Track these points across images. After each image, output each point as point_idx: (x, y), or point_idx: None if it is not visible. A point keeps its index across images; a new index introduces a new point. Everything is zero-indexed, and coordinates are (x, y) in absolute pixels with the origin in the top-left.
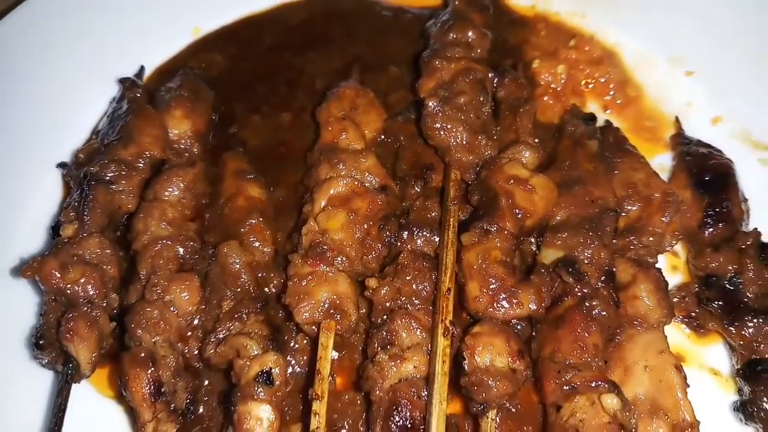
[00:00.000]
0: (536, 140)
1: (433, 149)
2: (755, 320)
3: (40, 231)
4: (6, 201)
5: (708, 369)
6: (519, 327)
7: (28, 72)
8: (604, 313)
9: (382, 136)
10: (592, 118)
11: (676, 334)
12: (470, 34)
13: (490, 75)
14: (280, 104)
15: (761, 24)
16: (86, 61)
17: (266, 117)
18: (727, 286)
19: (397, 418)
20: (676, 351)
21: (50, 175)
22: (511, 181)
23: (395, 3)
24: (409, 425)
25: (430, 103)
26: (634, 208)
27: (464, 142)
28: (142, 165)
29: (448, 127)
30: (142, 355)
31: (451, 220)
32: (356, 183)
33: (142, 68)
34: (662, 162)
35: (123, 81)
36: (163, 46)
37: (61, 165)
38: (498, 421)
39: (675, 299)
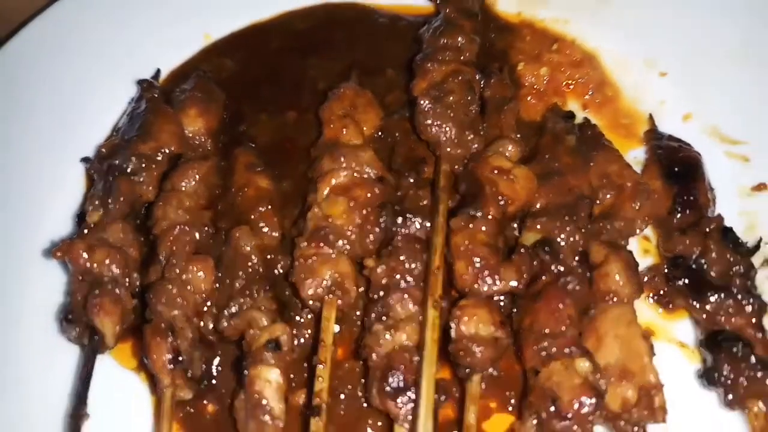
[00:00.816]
0: (518, 136)
1: (426, 144)
2: (717, 296)
3: (65, 219)
4: (33, 193)
5: (676, 342)
6: (502, 303)
7: (53, 75)
8: (578, 288)
9: (380, 133)
10: (571, 115)
11: (648, 311)
12: (460, 39)
13: (477, 77)
14: (286, 104)
15: (729, 29)
16: (106, 65)
17: (273, 116)
18: (693, 266)
19: (391, 380)
20: (648, 326)
21: (74, 169)
22: (495, 172)
23: (391, 11)
24: (402, 386)
25: (423, 102)
26: (607, 197)
27: (453, 138)
28: (160, 158)
29: (439, 123)
30: (162, 325)
31: (441, 206)
32: (356, 174)
33: (158, 71)
34: (637, 156)
35: (141, 82)
36: (176, 51)
37: (85, 159)
38: (483, 386)
39: (646, 279)
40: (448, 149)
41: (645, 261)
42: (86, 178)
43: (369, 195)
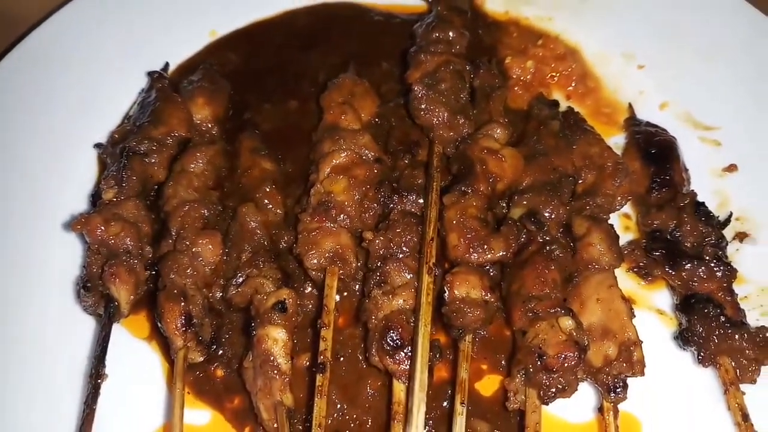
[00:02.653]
0: (506, 120)
1: (420, 128)
2: (691, 263)
3: (79, 198)
4: (48, 175)
5: (655, 310)
6: (492, 273)
7: (70, 69)
8: (561, 255)
9: (376, 120)
10: (555, 104)
11: (629, 282)
12: (451, 33)
13: (467, 67)
14: (288, 93)
15: (700, 24)
16: (118, 60)
17: (276, 105)
18: (669, 237)
19: (389, 339)
20: (628, 294)
21: (87, 154)
22: (485, 151)
23: (386, 10)
24: (400, 344)
25: (417, 89)
26: (589, 176)
27: (445, 121)
28: (170, 142)
29: (432, 108)
30: (175, 291)
31: (435, 184)
32: (355, 155)
33: (167, 64)
34: (617, 142)
35: (151, 74)
36: (183, 46)
37: (98, 145)
38: (475, 349)
39: (626, 252)
40: (441, 132)
41: (626, 237)
42: (98, 163)
43: (367, 174)
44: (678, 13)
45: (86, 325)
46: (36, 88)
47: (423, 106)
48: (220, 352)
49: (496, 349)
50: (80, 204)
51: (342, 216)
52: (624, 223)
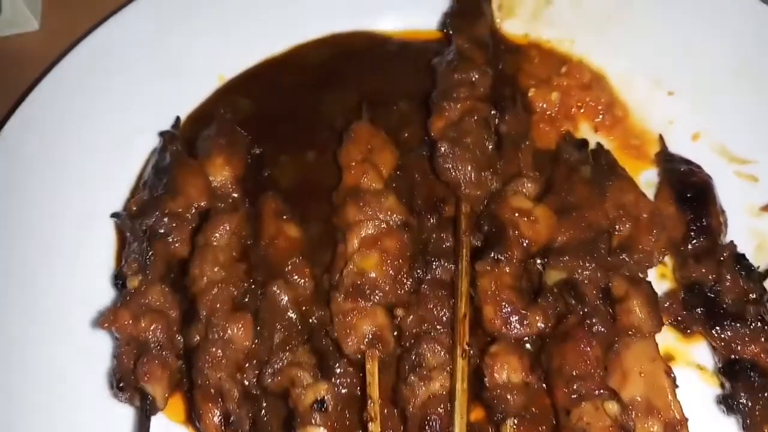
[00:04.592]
0: (536, 173)
1: (444, 183)
2: (732, 325)
3: (99, 274)
4: (65, 247)
5: (695, 365)
6: (531, 343)
7: (75, 128)
8: (603, 329)
9: (398, 172)
10: (584, 144)
11: (666, 334)
12: (473, 73)
13: (492, 112)
14: (304, 142)
15: (735, 47)
16: (124, 114)
17: (293, 156)
18: (708, 294)
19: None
20: (667, 350)
21: (103, 222)
22: (516, 214)
23: (400, 38)
24: None
25: (441, 146)
26: (625, 228)
27: (472, 179)
28: (190, 215)
29: (458, 166)
30: (212, 391)
31: (464, 251)
32: (382, 225)
33: (177, 119)
34: (649, 178)
35: (163, 134)
36: (192, 95)
37: (115, 215)
38: (516, 422)
39: (664, 305)
40: (468, 191)
41: (662, 285)
42: (116, 232)
43: (398, 245)
44: (708, 33)
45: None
46: (43, 148)
47: (448, 165)
48: None
49: (538, 421)
50: (100, 278)
51: (376, 293)
52: (660, 270)
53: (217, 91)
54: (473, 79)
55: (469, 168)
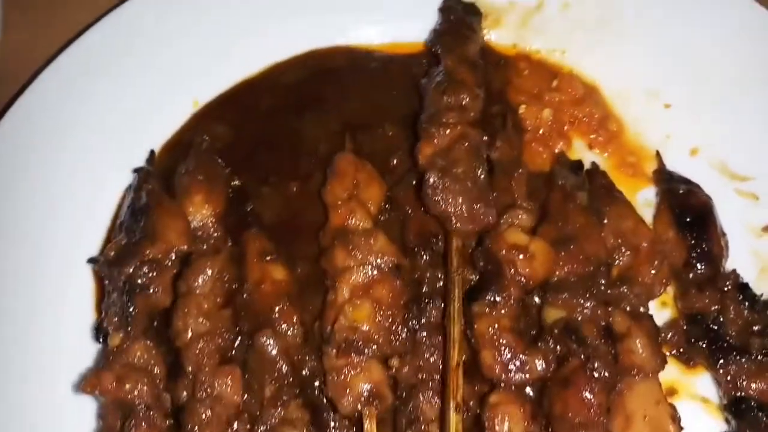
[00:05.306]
0: (531, 204)
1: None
2: (737, 359)
3: (77, 321)
4: (42, 297)
5: (699, 398)
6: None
7: (37, 165)
8: (605, 372)
9: (387, 206)
10: (579, 166)
11: (669, 367)
12: (464, 96)
13: (484, 138)
14: (287, 172)
15: (734, 56)
16: (95, 145)
17: (275, 188)
18: (711, 325)
19: None
20: (670, 384)
21: (82, 270)
22: (513, 251)
23: (382, 52)
24: None
25: (430, 177)
26: (624, 258)
27: (464, 212)
28: (170, 262)
29: (449, 199)
30: None
31: (457, 291)
32: (374, 271)
33: (152, 153)
34: (647, 197)
35: (138, 171)
36: (165, 123)
37: (92, 260)
38: None
39: (666, 336)
40: (459, 224)
41: (663, 314)
42: (95, 278)
43: (391, 294)
44: (707, 40)
45: None
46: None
47: (438, 198)
48: None
49: None
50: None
51: (370, 346)
52: (661, 298)
53: (192, 117)
54: (463, 102)
55: (460, 200)
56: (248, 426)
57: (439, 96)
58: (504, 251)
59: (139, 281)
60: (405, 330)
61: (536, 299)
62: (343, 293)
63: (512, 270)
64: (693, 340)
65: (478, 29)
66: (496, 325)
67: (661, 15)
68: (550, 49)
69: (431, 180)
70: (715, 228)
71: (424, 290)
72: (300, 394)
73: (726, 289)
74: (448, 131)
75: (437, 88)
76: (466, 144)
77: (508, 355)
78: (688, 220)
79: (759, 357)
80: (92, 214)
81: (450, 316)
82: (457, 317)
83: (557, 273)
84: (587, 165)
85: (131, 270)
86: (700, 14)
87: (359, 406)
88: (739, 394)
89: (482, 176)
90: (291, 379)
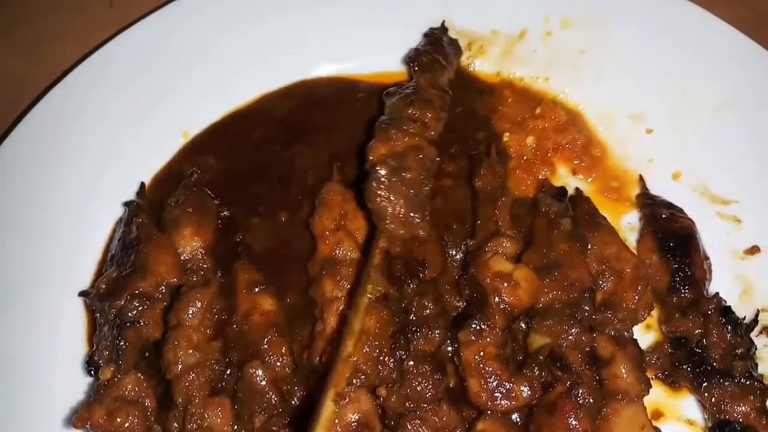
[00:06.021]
0: (515, 231)
1: (373, 215)
2: (721, 382)
3: (69, 353)
4: (34, 327)
5: (685, 420)
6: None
7: (28, 198)
8: (591, 399)
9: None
10: (563, 193)
11: (654, 389)
12: (428, 114)
13: (437, 159)
14: (276, 203)
15: (716, 81)
16: (85, 177)
17: (264, 218)
18: (695, 349)
19: None
20: (656, 406)
21: (72, 301)
22: (497, 279)
23: (369, 83)
24: None
25: (381, 171)
26: (608, 283)
27: (400, 215)
28: (160, 295)
29: (391, 198)
30: None
31: (369, 286)
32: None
33: (142, 185)
34: (631, 222)
35: (128, 204)
36: (156, 155)
37: (83, 294)
38: None
39: (650, 360)
40: (392, 226)
41: (647, 337)
42: (86, 310)
43: (378, 324)
44: (689, 67)
45: None
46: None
47: (381, 193)
48: None
49: None
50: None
51: (359, 378)
52: (645, 321)
53: (182, 149)
54: (426, 119)
55: (402, 203)
56: None
57: (405, 106)
58: (489, 279)
59: (130, 315)
60: (392, 360)
61: (522, 325)
62: (331, 324)
63: (497, 298)
64: (677, 364)
65: (454, 63)
66: (482, 353)
67: (642, 42)
68: (533, 77)
69: (381, 173)
70: (698, 252)
71: (411, 318)
72: (290, 425)
73: (709, 312)
74: (406, 138)
75: (404, 99)
76: (420, 156)
77: (494, 383)
78: (671, 244)
79: (742, 380)
80: (83, 246)
81: (356, 307)
82: (362, 310)
83: (542, 300)
84: (571, 191)
85: (122, 303)
86: (681, 40)
87: None
88: (723, 416)
89: (425, 192)
90: (280, 410)
